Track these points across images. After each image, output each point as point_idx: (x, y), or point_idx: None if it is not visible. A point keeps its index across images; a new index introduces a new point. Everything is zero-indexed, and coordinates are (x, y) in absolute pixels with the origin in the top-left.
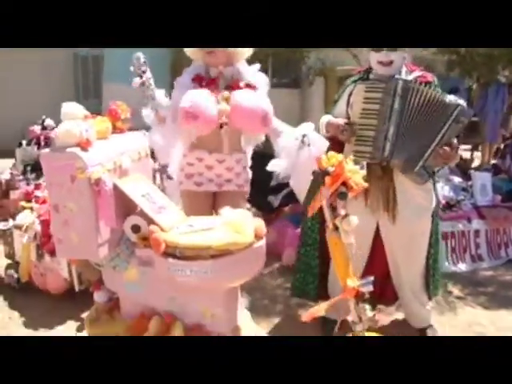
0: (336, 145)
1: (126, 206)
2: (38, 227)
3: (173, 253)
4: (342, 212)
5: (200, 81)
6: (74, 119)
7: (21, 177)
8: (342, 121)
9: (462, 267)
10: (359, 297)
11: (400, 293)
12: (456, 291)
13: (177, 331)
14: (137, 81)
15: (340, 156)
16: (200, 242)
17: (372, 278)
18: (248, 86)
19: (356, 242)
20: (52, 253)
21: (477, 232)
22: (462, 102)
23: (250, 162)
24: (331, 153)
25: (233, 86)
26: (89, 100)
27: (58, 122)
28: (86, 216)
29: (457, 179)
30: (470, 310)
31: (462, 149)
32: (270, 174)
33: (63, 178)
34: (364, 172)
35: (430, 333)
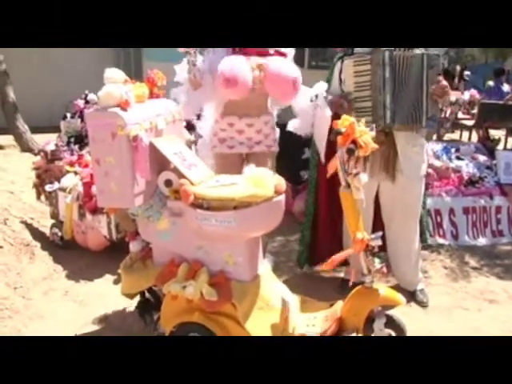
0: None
1: (160, 163)
2: (80, 188)
3: (200, 204)
4: (353, 170)
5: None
6: (115, 83)
7: (65, 148)
8: (339, 97)
9: (482, 241)
10: (368, 250)
11: (394, 255)
12: (472, 262)
13: (202, 275)
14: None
15: (352, 118)
16: (224, 194)
17: (381, 233)
18: (278, 53)
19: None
20: (93, 211)
21: (498, 208)
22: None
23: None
24: (345, 116)
25: (263, 52)
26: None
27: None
28: (123, 168)
29: (482, 157)
30: (483, 279)
31: (492, 130)
32: (302, 149)
33: (105, 134)
34: (373, 133)
35: (420, 296)
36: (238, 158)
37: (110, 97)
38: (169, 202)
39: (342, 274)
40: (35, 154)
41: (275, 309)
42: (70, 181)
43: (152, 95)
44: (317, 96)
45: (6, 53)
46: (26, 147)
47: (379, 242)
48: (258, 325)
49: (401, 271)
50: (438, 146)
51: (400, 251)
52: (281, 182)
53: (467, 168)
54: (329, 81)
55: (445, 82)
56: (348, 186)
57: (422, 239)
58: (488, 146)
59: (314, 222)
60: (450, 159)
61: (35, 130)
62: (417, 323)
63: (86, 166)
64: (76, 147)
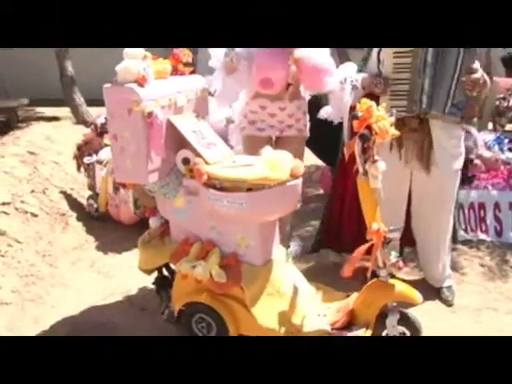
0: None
1: (179, 141)
2: None
3: (213, 184)
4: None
5: None
6: (134, 58)
7: None
8: (375, 75)
9: None
10: (384, 242)
11: (422, 249)
12: None
13: (213, 256)
14: None
15: (371, 102)
16: (237, 176)
17: (400, 226)
18: None
19: (393, 193)
20: (125, 186)
21: None
22: None
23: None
24: (364, 99)
25: None
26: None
27: None
28: (138, 144)
29: None
30: None
31: None
32: (339, 129)
33: (121, 110)
34: (393, 119)
35: (446, 293)
36: (267, 141)
37: (128, 72)
38: (185, 180)
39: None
40: (87, 127)
41: (286, 296)
42: (107, 154)
43: (176, 72)
44: (345, 79)
45: None
46: (81, 119)
47: (397, 235)
48: (266, 310)
49: (428, 267)
50: (491, 136)
51: (429, 246)
52: (298, 166)
53: None
54: (365, 59)
55: (478, 75)
56: (365, 173)
57: (454, 236)
58: None
59: (329, 204)
60: (502, 150)
61: (91, 102)
62: (440, 323)
63: None
64: None
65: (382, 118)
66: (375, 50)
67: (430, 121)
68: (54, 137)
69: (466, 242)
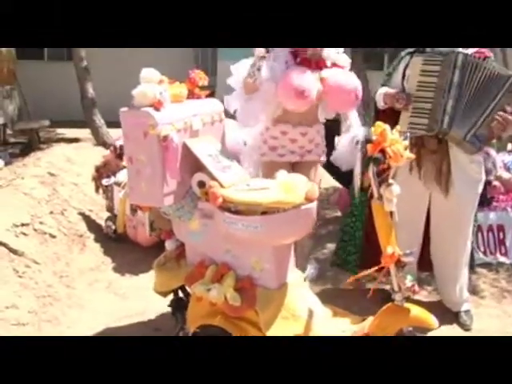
0: (390, 116)
1: (194, 164)
2: None
3: (228, 207)
4: (391, 181)
5: (295, 58)
6: (149, 82)
7: None
8: (398, 91)
9: None
10: (400, 265)
11: (440, 273)
12: None
13: (228, 279)
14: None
15: (385, 125)
16: (252, 199)
17: (415, 249)
18: (335, 65)
19: (410, 214)
20: (141, 208)
21: None
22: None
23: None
24: (378, 123)
25: (321, 65)
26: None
27: None
28: (153, 167)
29: None
30: None
31: None
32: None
33: (137, 133)
34: (406, 143)
35: (464, 317)
36: (287, 166)
37: (144, 96)
38: (200, 203)
39: (387, 287)
40: (107, 148)
41: (301, 319)
42: (125, 176)
43: (193, 95)
44: (357, 142)
45: (88, 50)
46: (101, 141)
47: (412, 259)
48: (280, 334)
49: (446, 290)
50: (510, 158)
51: (446, 269)
52: (313, 189)
53: None
54: (390, 74)
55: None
56: (380, 197)
57: (472, 259)
58: None
59: (366, 223)
60: None
61: (112, 124)
62: None
63: None
64: None
65: (396, 141)
66: (402, 66)
67: (450, 143)
68: (74, 158)
69: (484, 265)
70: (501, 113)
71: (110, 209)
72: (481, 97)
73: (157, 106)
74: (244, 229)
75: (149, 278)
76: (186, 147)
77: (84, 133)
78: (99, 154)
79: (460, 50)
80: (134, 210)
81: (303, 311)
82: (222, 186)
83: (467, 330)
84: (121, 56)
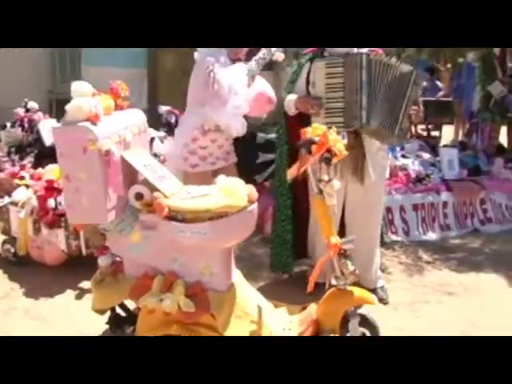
0: (299, 118)
1: (129, 176)
2: (34, 202)
3: (175, 216)
4: (325, 177)
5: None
6: (82, 96)
7: (6, 158)
8: (310, 96)
9: (432, 236)
10: (341, 253)
11: (356, 254)
12: (426, 257)
13: (178, 287)
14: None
15: (324, 127)
16: (200, 206)
17: (353, 237)
18: None
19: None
20: (50, 225)
21: (445, 203)
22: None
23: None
24: (315, 124)
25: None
26: (66, 83)
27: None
28: (96, 184)
29: (426, 155)
30: (438, 273)
31: (431, 127)
32: (255, 153)
33: (75, 149)
34: (345, 141)
35: (381, 293)
36: (213, 173)
37: (79, 111)
38: (141, 215)
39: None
40: None
41: (252, 316)
42: (22, 194)
43: (116, 107)
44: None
45: None
46: None
47: (352, 246)
48: (237, 333)
49: (363, 270)
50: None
51: (362, 250)
52: (253, 191)
53: (413, 166)
54: (293, 81)
55: (421, 107)
56: (320, 192)
57: (381, 238)
58: (430, 144)
59: (293, 224)
60: (396, 157)
61: None
62: (386, 321)
63: (39, 179)
64: (17, 157)
65: (338, 140)
66: (304, 72)
67: (363, 136)
68: None
69: (381, 244)
70: (414, 107)
71: (6, 231)
72: (391, 91)
73: (94, 120)
74: (193, 236)
75: (67, 299)
76: (122, 160)
77: None
78: None
79: (356, 50)
80: (37, 229)
81: (253, 308)
82: (165, 196)
83: (385, 303)
84: None
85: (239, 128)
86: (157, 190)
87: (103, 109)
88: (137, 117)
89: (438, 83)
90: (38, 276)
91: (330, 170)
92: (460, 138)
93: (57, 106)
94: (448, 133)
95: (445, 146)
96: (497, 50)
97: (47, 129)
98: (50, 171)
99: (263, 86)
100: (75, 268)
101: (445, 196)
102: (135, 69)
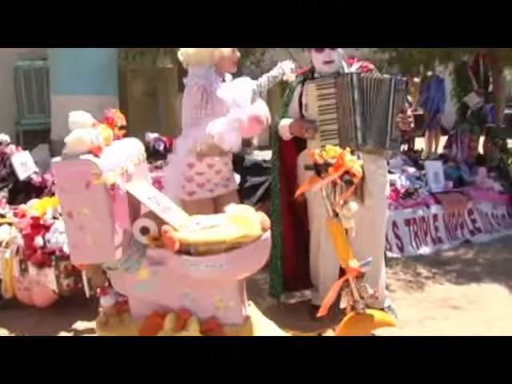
0: (294, 142)
1: (132, 210)
2: (20, 241)
3: (186, 250)
4: (338, 199)
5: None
6: (83, 127)
7: None
8: (304, 120)
9: (426, 250)
10: (359, 277)
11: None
12: (424, 272)
13: (193, 325)
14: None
15: (338, 149)
16: (213, 238)
17: (370, 259)
18: None
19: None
20: (40, 265)
21: (435, 216)
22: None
23: None
24: (329, 146)
25: None
26: (34, 114)
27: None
28: (101, 220)
29: (411, 169)
30: (440, 287)
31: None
32: (244, 178)
33: (77, 184)
34: (361, 162)
35: (389, 312)
36: (212, 200)
37: (81, 143)
38: (148, 250)
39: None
40: None
41: None
42: (5, 233)
43: (113, 136)
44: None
45: None
46: None
47: (369, 268)
48: None
49: None
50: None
51: (370, 273)
52: (265, 219)
53: (400, 181)
54: (286, 105)
55: (409, 112)
56: (336, 215)
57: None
58: (412, 157)
59: (283, 250)
60: None
61: None
62: None
63: (24, 216)
64: None
65: (354, 161)
66: (296, 95)
67: (362, 155)
68: None
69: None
70: (400, 114)
71: None
72: (381, 105)
73: (96, 152)
74: (207, 269)
75: None
76: (126, 192)
77: None
78: None
79: (348, 70)
80: (24, 269)
81: None
82: (174, 228)
83: None
84: None
85: (234, 142)
86: (163, 222)
87: (103, 140)
88: (135, 146)
89: (408, 97)
90: (26, 319)
91: (347, 192)
92: (433, 149)
93: (24, 138)
94: (420, 145)
95: (426, 158)
96: (470, 61)
97: (20, 162)
98: (33, 207)
99: (261, 105)
100: (67, 308)
101: (434, 209)
102: (105, 96)
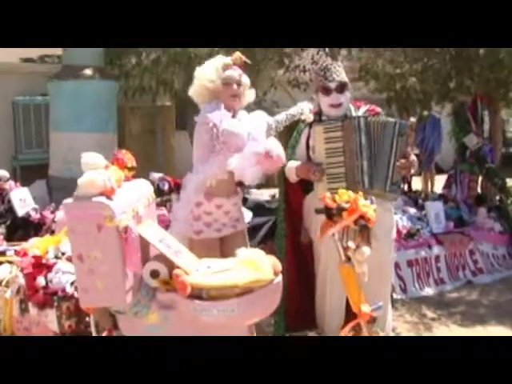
0: (300, 183)
1: (142, 253)
2: (21, 281)
3: (198, 294)
4: (351, 244)
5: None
6: (95, 169)
7: None
8: (311, 163)
9: (429, 291)
10: (371, 321)
11: None
12: (429, 313)
13: None
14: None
15: (351, 193)
16: (225, 282)
17: (381, 304)
18: None
19: (333, 272)
20: (41, 306)
21: (437, 257)
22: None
23: None
24: (342, 190)
25: None
26: (32, 149)
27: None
28: (112, 263)
29: (411, 210)
30: (446, 329)
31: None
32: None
33: (89, 227)
34: (374, 206)
35: None
36: (219, 241)
37: (93, 185)
38: (158, 294)
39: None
40: None
41: None
42: (5, 272)
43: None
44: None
45: None
46: None
47: (381, 312)
48: None
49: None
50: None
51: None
52: (277, 262)
53: (402, 222)
54: (293, 147)
55: (413, 157)
56: (348, 259)
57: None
58: (413, 198)
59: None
60: None
61: None
62: None
63: (25, 254)
64: None
65: (368, 205)
66: (303, 138)
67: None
68: None
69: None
70: (403, 160)
71: None
72: (385, 149)
73: (108, 194)
74: (219, 314)
75: None
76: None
77: None
78: None
79: (355, 114)
80: (24, 309)
81: None
82: (186, 272)
83: None
84: None
85: (254, 176)
86: (173, 265)
87: (115, 181)
88: (145, 187)
89: None
90: None
91: (358, 237)
92: (429, 189)
93: (21, 173)
94: (416, 185)
95: (425, 198)
96: (469, 101)
97: (19, 198)
98: (35, 246)
99: (275, 144)
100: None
101: (436, 250)
102: (104, 134)
